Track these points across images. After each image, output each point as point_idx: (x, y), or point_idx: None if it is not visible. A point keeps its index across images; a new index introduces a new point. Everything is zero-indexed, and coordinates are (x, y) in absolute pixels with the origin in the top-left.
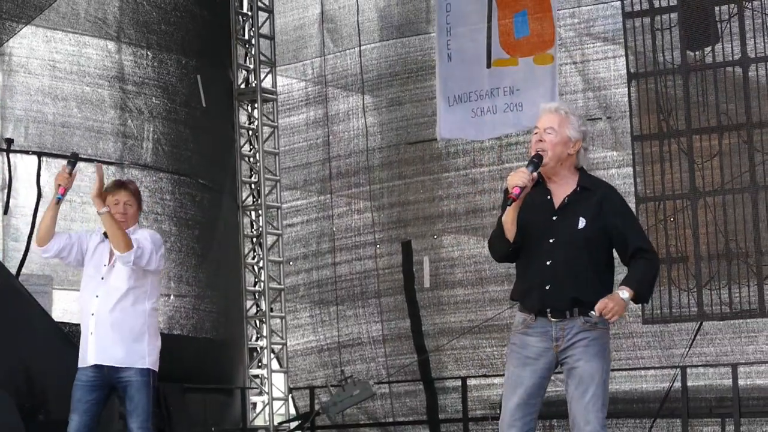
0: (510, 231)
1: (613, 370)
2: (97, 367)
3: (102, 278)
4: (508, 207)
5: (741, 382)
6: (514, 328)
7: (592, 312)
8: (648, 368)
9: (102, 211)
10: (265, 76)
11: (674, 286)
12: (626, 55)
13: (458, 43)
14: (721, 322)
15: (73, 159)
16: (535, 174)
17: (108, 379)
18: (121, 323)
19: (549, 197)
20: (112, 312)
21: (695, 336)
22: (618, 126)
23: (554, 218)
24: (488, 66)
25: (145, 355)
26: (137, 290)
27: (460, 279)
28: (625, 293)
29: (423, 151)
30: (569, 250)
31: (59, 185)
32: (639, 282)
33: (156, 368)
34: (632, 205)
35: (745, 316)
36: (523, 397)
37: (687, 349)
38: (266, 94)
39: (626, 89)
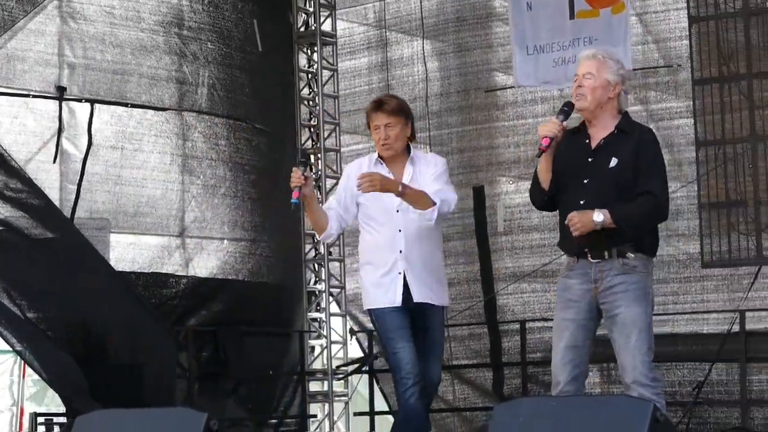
0: (545, 180)
1: (677, 313)
2: (405, 307)
3: (397, 210)
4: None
5: None
6: (561, 273)
7: (630, 254)
8: (710, 312)
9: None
10: (325, 20)
11: (733, 230)
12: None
13: None
14: None
15: (304, 161)
16: (565, 123)
17: (412, 315)
18: (429, 259)
19: (587, 141)
20: (419, 247)
21: (754, 280)
22: (679, 74)
23: (590, 160)
24: (571, 17)
25: (445, 292)
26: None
27: (536, 224)
28: (600, 216)
29: (496, 98)
30: (601, 189)
31: (294, 188)
32: (619, 211)
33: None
34: (692, 150)
35: None
36: (570, 339)
37: (746, 293)
38: (326, 38)
39: (687, 38)
